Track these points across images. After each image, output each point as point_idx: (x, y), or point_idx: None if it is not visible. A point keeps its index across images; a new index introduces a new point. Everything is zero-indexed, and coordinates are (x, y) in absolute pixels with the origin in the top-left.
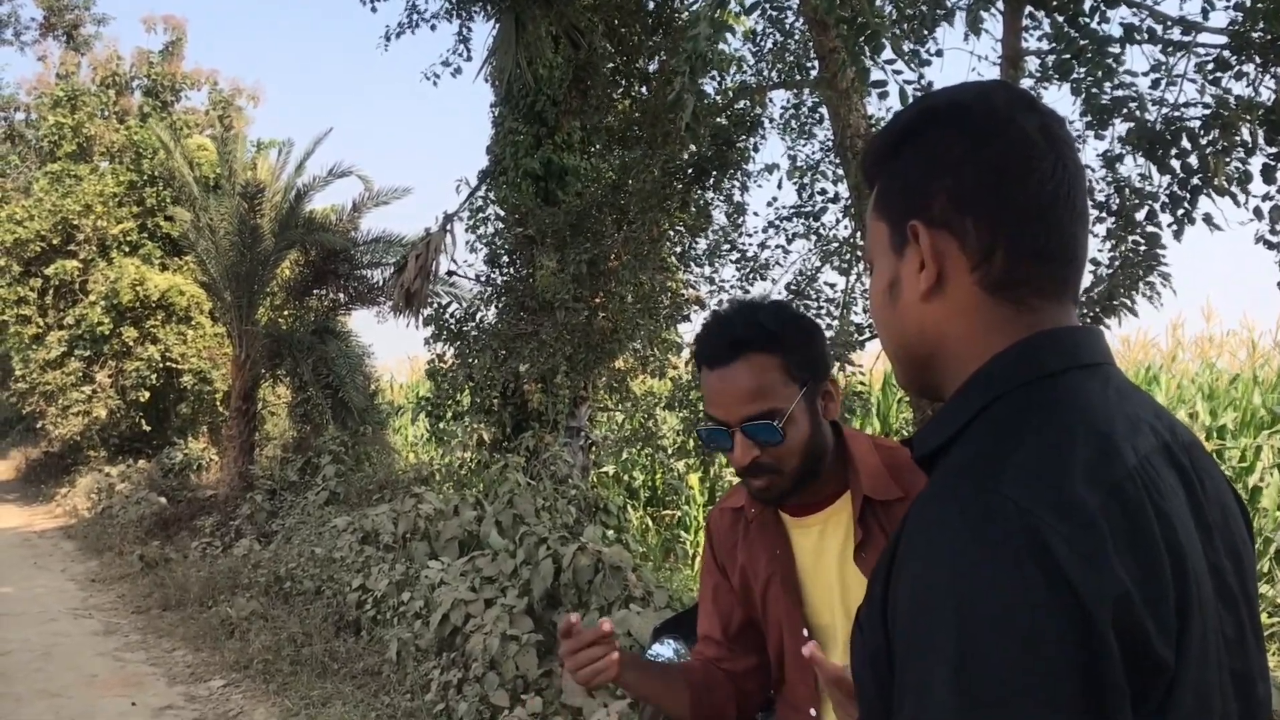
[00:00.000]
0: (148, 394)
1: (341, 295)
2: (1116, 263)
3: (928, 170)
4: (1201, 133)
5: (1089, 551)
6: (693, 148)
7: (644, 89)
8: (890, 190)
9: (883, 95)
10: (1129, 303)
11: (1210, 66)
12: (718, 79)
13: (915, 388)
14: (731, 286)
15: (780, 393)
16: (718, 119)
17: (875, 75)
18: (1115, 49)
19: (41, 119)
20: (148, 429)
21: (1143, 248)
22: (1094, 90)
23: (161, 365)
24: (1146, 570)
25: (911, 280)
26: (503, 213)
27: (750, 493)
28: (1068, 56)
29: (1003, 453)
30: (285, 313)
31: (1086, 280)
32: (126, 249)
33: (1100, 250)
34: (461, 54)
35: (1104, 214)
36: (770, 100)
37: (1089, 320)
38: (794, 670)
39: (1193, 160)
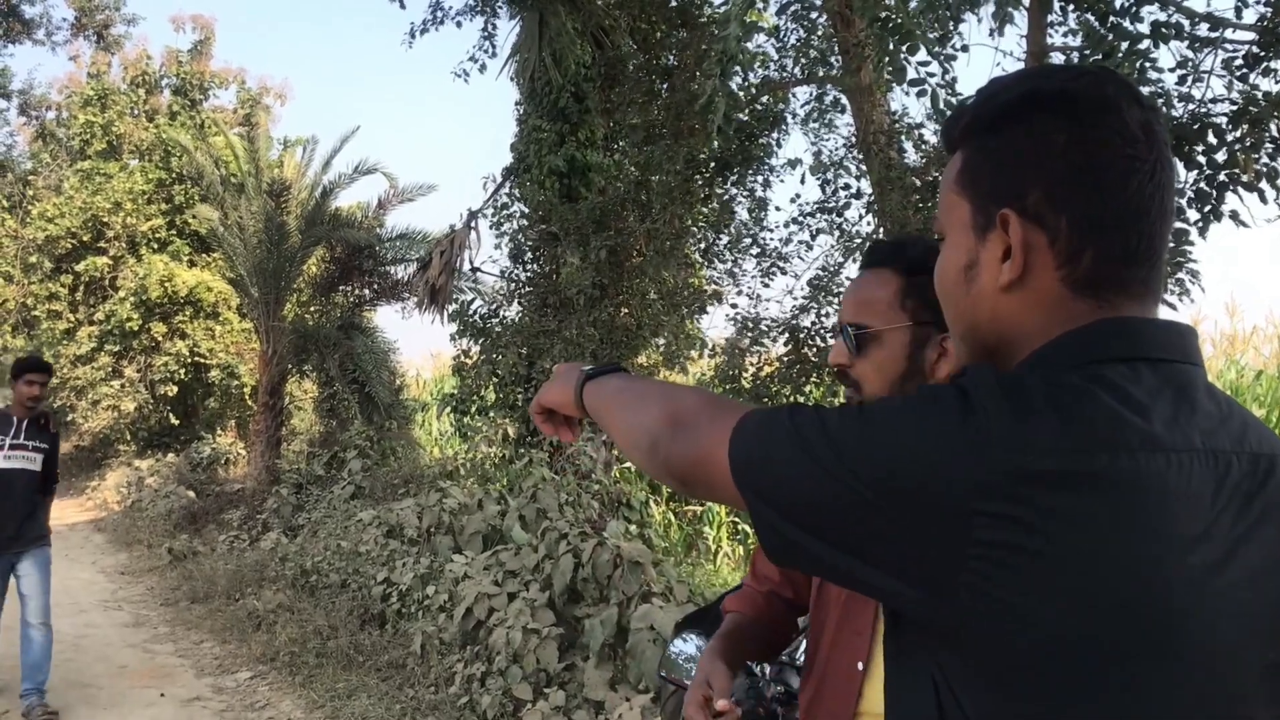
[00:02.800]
0: (176, 389)
1: (367, 291)
2: None
3: (1027, 158)
4: (1229, 129)
5: (1023, 441)
6: (715, 143)
7: (666, 85)
8: (980, 168)
9: (921, 94)
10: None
11: (1239, 63)
12: (742, 75)
13: None
14: (751, 277)
15: (881, 313)
16: (740, 115)
17: (909, 74)
18: (1145, 45)
19: (72, 118)
20: (176, 423)
21: (1170, 244)
22: None
23: (189, 360)
24: (1073, 522)
25: (992, 267)
26: (527, 209)
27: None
28: (1099, 56)
29: (1009, 387)
30: (312, 308)
31: None
32: (155, 246)
33: None
34: (486, 50)
35: None
36: (793, 95)
37: None
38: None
39: (1219, 156)
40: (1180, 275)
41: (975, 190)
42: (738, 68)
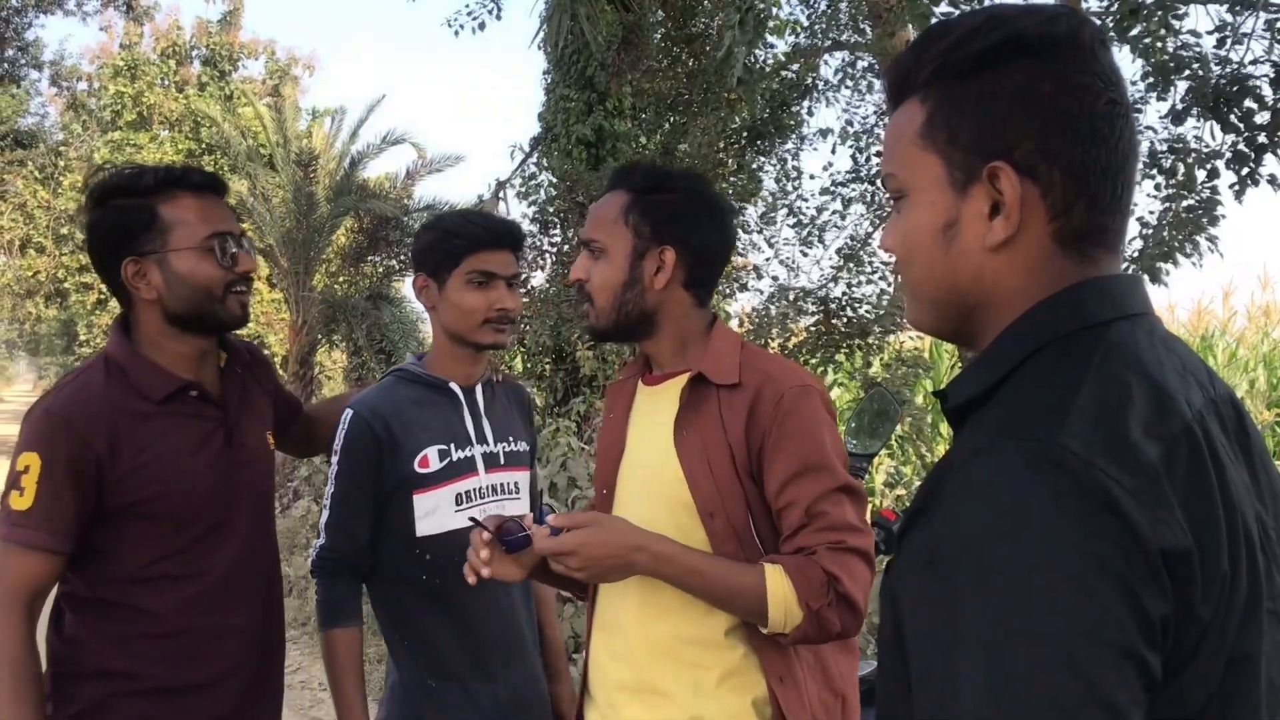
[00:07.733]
0: None
1: (395, 262)
2: (1166, 222)
3: (1014, 107)
4: (1271, 91)
5: (1154, 504)
6: (745, 113)
7: (688, 53)
8: (957, 119)
9: None
10: (1174, 263)
11: None
12: (772, 44)
13: (944, 333)
14: (787, 244)
15: (608, 228)
16: (772, 84)
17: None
18: (1174, 5)
19: (103, 88)
20: None
21: (1201, 205)
22: (1158, 45)
23: None
24: (1205, 525)
25: (976, 225)
26: (555, 180)
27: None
28: (1127, 11)
29: (1059, 405)
30: (340, 279)
31: (1135, 239)
32: None
33: (1152, 211)
34: (490, 9)
35: (1157, 172)
36: (825, 62)
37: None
38: None
39: (1258, 119)
40: (1198, 238)
41: (952, 143)
42: (765, 28)
